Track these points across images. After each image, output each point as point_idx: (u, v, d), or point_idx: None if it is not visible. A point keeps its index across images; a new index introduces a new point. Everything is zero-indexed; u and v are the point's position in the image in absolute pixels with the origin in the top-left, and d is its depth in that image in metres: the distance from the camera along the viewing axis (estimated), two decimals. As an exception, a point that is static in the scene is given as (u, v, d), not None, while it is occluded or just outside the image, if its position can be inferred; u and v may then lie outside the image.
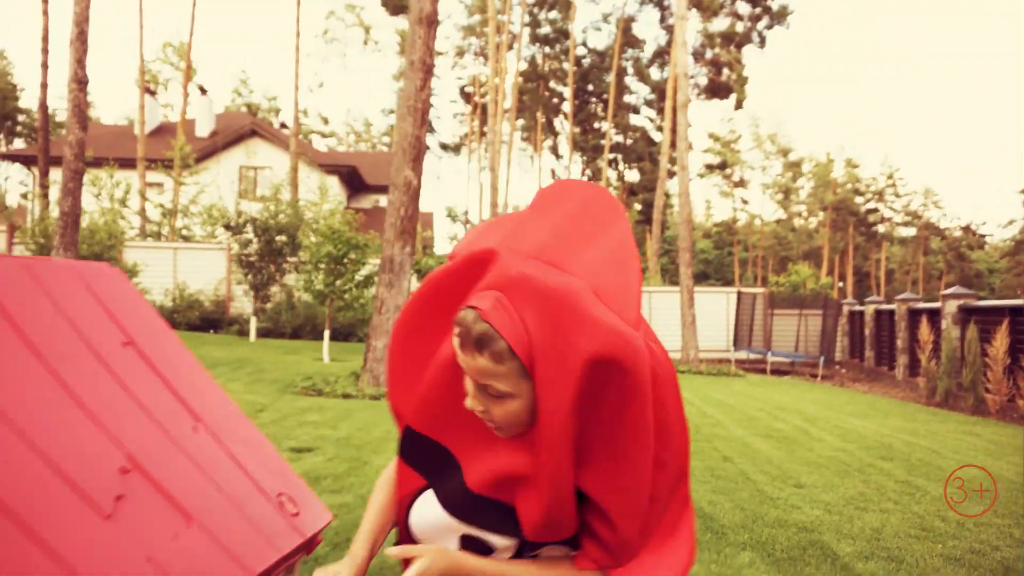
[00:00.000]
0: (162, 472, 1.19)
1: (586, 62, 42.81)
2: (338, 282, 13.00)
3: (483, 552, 1.04)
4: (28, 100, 43.31)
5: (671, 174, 34.68)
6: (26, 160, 27.00)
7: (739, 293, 19.62)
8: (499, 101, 32.51)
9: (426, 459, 1.09)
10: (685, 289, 16.70)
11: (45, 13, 21.05)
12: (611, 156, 43.44)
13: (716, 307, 20.38)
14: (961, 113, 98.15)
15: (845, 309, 19.87)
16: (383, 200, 32.26)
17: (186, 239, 22.61)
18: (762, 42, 37.50)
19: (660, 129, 39.65)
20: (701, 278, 46.49)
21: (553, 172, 49.65)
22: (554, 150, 49.08)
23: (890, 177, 56.43)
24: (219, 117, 32.21)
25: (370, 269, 13.83)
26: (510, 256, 0.95)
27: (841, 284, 50.69)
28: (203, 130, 29.43)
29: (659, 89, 40.00)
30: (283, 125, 36.95)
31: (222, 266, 18.66)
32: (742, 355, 18.98)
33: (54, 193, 21.83)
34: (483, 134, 46.50)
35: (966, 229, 60.20)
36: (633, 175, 45.92)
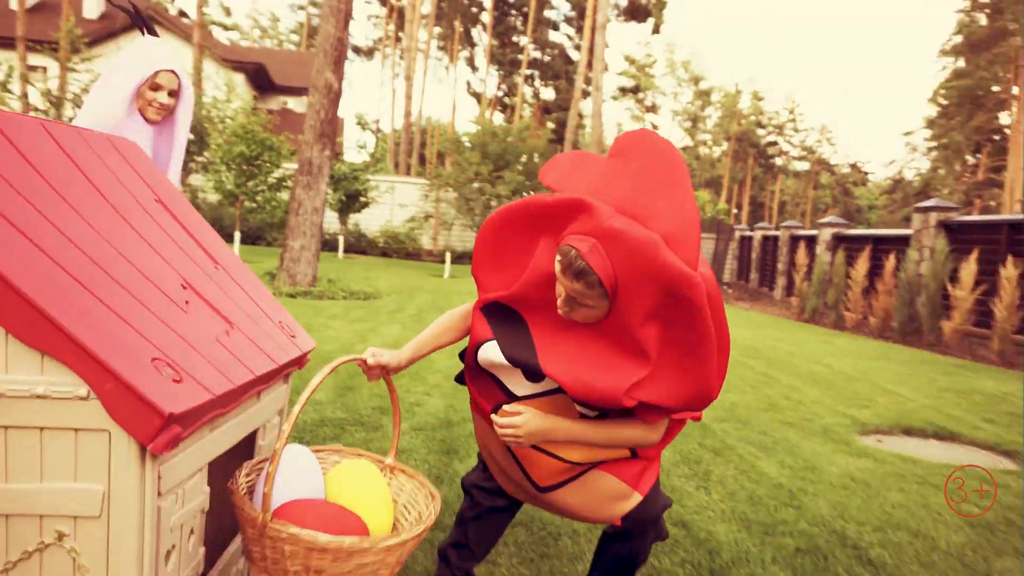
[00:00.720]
0: (205, 291, 1.60)
1: (507, -29, 41.68)
2: (250, 183, 12.88)
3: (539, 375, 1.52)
4: None
5: (586, 94, 34.99)
6: None
7: (642, 215, 20.61)
8: (416, 5, 31.46)
9: (506, 325, 1.55)
10: (592, 208, 17.44)
11: None
12: (528, 72, 43.11)
13: (620, 227, 21.34)
14: (863, 55, 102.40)
15: (737, 234, 21.30)
16: (291, 101, 31.01)
17: (77, 131, 21.20)
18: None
19: (578, 48, 39.57)
20: (608, 200, 47.71)
21: (468, 84, 48.81)
22: (470, 62, 48.13)
23: (791, 112, 58.84)
24: (109, -2, 29.49)
25: (282, 172, 13.71)
26: (602, 209, 1.34)
27: (736, 212, 53.32)
28: (91, 11, 27.03)
29: (579, 7, 39.67)
30: (182, 13, 34.40)
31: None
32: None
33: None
34: (398, 39, 44.89)
35: (853, 166, 63.90)
36: (549, 93, 45.87)
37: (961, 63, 42.55)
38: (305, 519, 1.28)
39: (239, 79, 26.20)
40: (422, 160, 40.97)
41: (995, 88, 41.78)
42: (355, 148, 51.03)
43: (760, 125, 57.69)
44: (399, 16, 42.49)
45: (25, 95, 21.55)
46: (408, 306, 9.02)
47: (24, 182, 1.29)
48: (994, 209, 43.29)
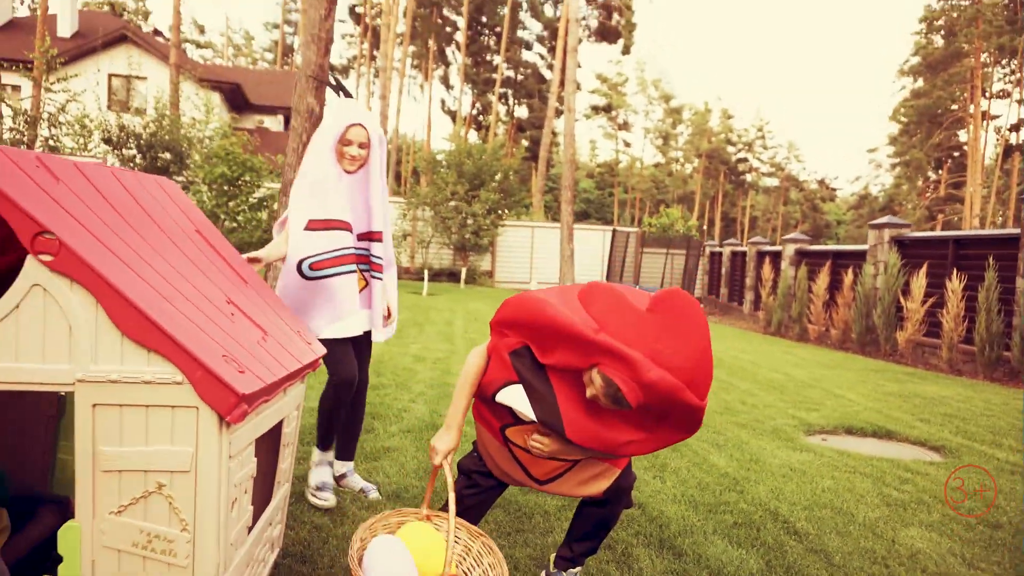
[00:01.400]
0: (243, 305, 1.96)
1: (481, -7, 42.44)
2: (231, 203, 13.14)
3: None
4: None
5: (559, 112, 35.64)
6: None
7: (614, 231, 21.18)
8: (391, 25, 31.93)
9: (532, 376, 1.86)
10: (565, 226, 17.90)
11: None
12: (502, 91, 43.83)
13: (593, 244, 21.93)
14: (829, 73, 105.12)
15: (707, 250, 21.95)
16: (268, 120, 31.23)
17: (54, 150, 21.24)
18: (651, -11, 38.62)
19: (551, 67, 40.36)
20: (582, 216, 48.46)
21: (443, 103, 49.39)
22: (445, 80, 48.77)
23: (760, 130, 60.29)
24: (81, 15, 29.54)
25: (263, 192, 13.97)
26: (642, 363, 1.64)
27: (704, 227, 54.36)
28: (65, 29, 27.04)
29: (551, 27, 40.51)
30: (156, 32, 34.51)
31: (97, 181, 17.84)
32: (614, 288, 20.64)
33: None
34: (373, 58, 45.38)
35: (821, 183, 65.43)
36: (522, 111, 46.60)
37: (920, 83, 44.11)
38: None
39: (215, 98, 26.38)
40: (398, 178, 41.33)
41: (953, 107, 43.34)
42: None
43: (730, 142, 59.00)
44: (373, 35, 42.99)
45: (-1, 115, 21.55)
46: (388, 321, 9.34)
47: (111, 220, 1.66)
48: (956, 224, 44.75)
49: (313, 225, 2.64)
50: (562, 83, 29.04)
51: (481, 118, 47.10)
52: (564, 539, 2.21)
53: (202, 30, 54.22)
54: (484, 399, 2.04)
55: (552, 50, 40.27)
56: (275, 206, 16.34)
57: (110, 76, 25.72)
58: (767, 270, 15.54)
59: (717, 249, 21.04)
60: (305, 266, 2.65)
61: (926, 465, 3.97)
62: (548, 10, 41.88)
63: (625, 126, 56.65)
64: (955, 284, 9.34)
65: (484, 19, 43.23)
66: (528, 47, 44.33)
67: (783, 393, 6.11)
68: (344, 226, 2.68)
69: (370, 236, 2.79)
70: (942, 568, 2.50)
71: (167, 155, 15.74)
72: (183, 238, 2.01)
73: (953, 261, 9.86)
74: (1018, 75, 42.78)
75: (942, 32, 42.15)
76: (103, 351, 1.42)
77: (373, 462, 3.27)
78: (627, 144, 58.05)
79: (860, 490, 3.37)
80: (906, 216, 47.37)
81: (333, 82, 2.64)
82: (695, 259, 21.73)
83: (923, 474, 3.74)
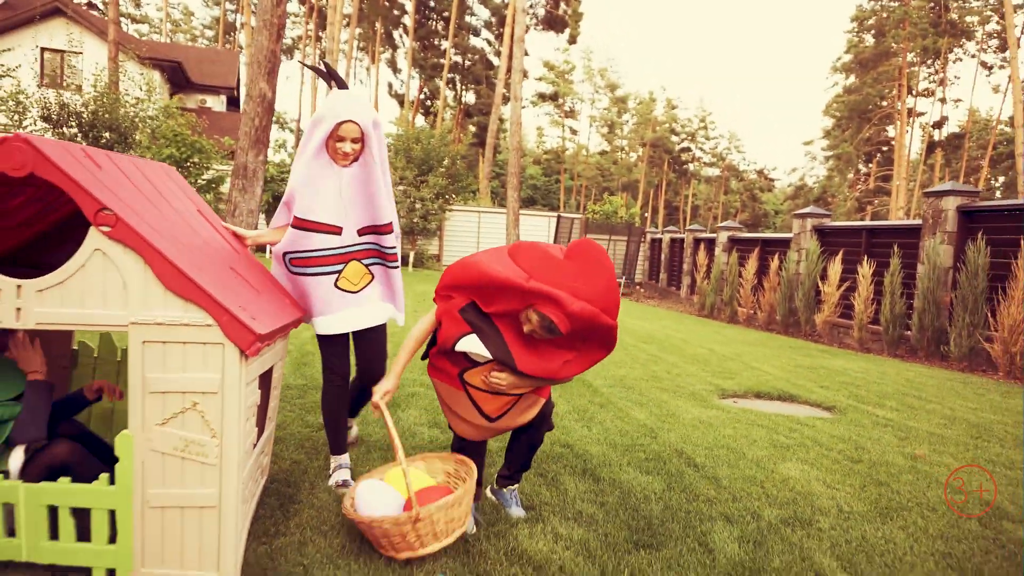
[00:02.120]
0: (241, 271, 2.38)
1: (429, -24, 42.32)
2: (179, 184, 13.17)
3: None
4: None
5: (506, 99, 36.01)
6: None
7: (559, 217, 21.79)
8: (338, 7, 31.66)
9: (483, 324, 2.30)
10: (511, 211, 18.41)
11: None
12: (450, 76, 43.93)
13: (539, 230, 22.50)
14: (771, 66, 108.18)
15: (648, 237, 22.80)
16: (210, 100, 30.69)
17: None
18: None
19: (498, 54, 40.66)
20: (529, 202, 49.03)
21: (391, 86, 49.19)
22: (392, 64, 48.51)
23: (703, 120, 61.86)
24: (11, -13, 28.30)
25: (212, 174, 14.03)
26: (566, 298, 2.12)
27: (648, 215, 55.68)
28: (-6, 2, 25.95)
29: (499, 14, 40.77)
30: (90, 4, 33.40)
31: (34, 159, 17.37)
32: (558, 273, 21.23)
33: None
34: (319, 39, 44.79)
35: (760, 173, 67.50)
36: (470, 97, 46.79)
37: (852, 80, 46.10)
38: (428, 501, 2.20)
39: (156, 77, 25.81)
40: (344, 161, 40.98)
41: (883, 103, 45.48)
42: (273, 146, 50.40)
43: (674, 132, 60.35)
44: (319, 15, 42.44)
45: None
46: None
47: (142, 199, 2.07)
48: (883, 215, 47.15)
49: (298, 223, 2.64)
50: (509, 70, 29.44)
51: (429, 103, 47.10)
52: (503, 464, 2.72)
53: (138, 3, 52.42)
54: (444, 352, 2.51)
55: (500, 37, 40.55)
56: (224, 187, 16.35)
57: (42, 50, 24.87)
58: (702, 256, 16.38)
59: (657, 236, 21.90)
60: (287, 260, 2.72)
61: (815, 420, 4.64)
62: (496, -4, 42.08)
63: (572, 114, 57.40)
64: (866, 270, 10.23)
65: (432, 3, 43.17)
66: (476, 33, 44.50)
67: (705, 365, 6.77)
68: (328, 229, 2.66)
69: (378, 229, 2.76)
70: (807, 488, 3.12)
71: (109, 135, 15.55)
72: (190, 216, 2.43)
73: (866, 249, 10.77)
74: (941, 75, 45.21)
75: (872, 32, 44.13)
76: (150, 301, 1.85)
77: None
78: (573, 132, 58.78)
79: (754, 436, 4.00)
80: (837, 207, 49.59)
81: (324, 70, 2.81)
82: (636, 245, 22.53)
83: (811, 426, 4.40)
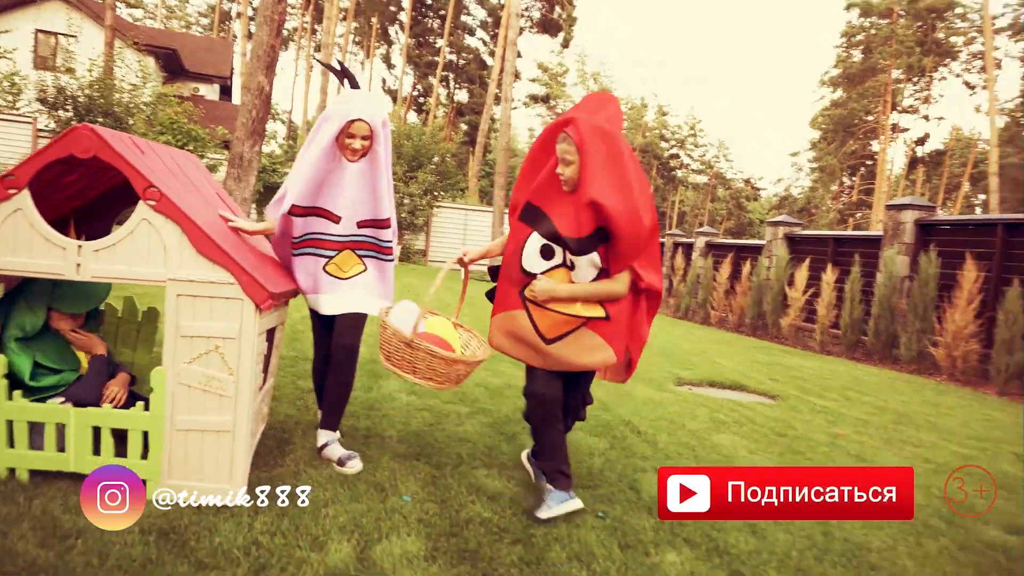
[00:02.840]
0: (251, 244, 2.83)
1: (427, -25, 42.66)
2: (174, 171, 13.52)
3: (551, 253, 2.58)
4: None
5: (498, 100, 36.43)
6: None
7: (545, 218, 22.25)
8: (335, 0, 31.97)
9: (534, 217, 2.59)
10: (498, 210, 18.87)
11: None
12: (443, 74, 44.31)
13: (525, 229, 22.96)
14: (762, 77, 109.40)
15: (630, 240, 23.31)
16: (203, 88, 30.90)
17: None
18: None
19: (492, 54, 41.11)
20: (517, 203, 49.35)
21: (384, 82, 49.51)
22: (387, 60, 48.83)
23: (692, 128, 62.58)
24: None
25: (206, 162, 14.39)
26: (582, 117, 2.50)
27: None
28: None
29: (495, 15, 41.21)
30: (87, -11, 33.36)
31: (26, 141, 17.57)
32: (542, 272, 21.71)
33: None
34: (314, 32, 45.06)
35: (747, 182, 68.25)
36: (463, 96, 47.20)
37: (839, 94, 46.99)
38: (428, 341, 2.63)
39: (150, 63, 26.01)
40: (335, 154, 41.26)
41: (868, 118, 46.39)
42: (268, 136, 50.52)
43: (663, 138, 61.01)
44: (315, 8, 42.71)
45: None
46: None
47: (177, 180, 2.52)
48: (864, 227, 48.06)
49: (296, 211, 2.76)
50: (502, 71, 29.92)
51: (421, 100, 47.46)
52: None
53: (133, -11, 52.29)
54: (507, 276, 2.67)
55: (495, 37, 41.01)
56: (217, 176, 16.68)
57: (36, 32, 24.99)
58: (680, 260, 16.93)
59: (639, 239, 22.37)
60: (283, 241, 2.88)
61: (757, 404, 5.15)
62: (492, -3, 42.51)
63: (563, 116, 57.79)
64: (829, 276, 10.80)
65: (429, 1, 43.55)
66: (471, 32, 44.92)
67: (669, 357, 7.28)
68: (327, 215, 2.79)
69: (377, 223, 2.87)
70: (732, 453, 3.62)
71: (104, 120, 15.84)
72: (212, 197, 2.88)
73: (831, 257, 11.34)
74: (926, 93, 46.18)
75: (861, 48, 45.03)
76: (185, 262, 2.30)
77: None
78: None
79: (697, 414, 4.49)
80: (820, 218, 50.51)
81: (339, 68, 3.04)
82: (619, 248, 22.94)
83: (752, 409, 4.91)
